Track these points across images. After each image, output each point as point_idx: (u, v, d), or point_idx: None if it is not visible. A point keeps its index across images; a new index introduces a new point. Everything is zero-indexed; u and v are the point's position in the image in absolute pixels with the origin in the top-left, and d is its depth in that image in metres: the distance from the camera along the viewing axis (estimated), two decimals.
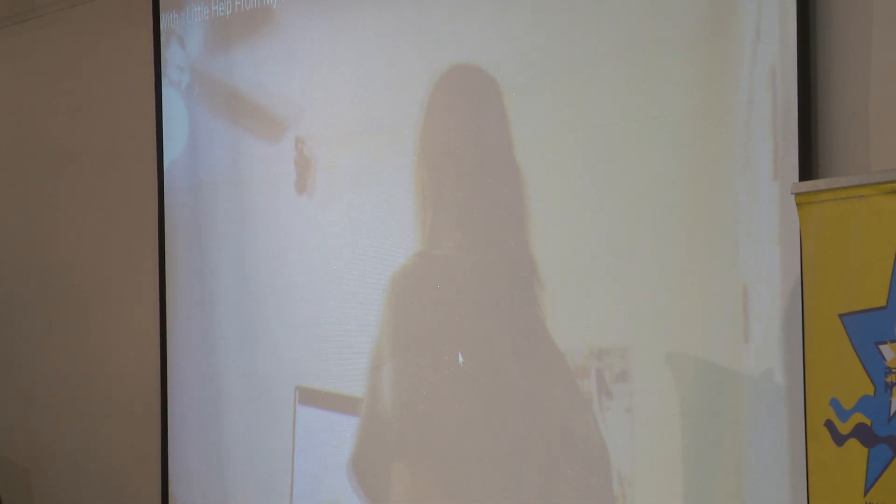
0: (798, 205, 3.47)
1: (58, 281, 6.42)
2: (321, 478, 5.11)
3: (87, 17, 6.24)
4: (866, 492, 3.24)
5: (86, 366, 6.27)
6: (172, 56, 5.71)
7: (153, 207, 5.83)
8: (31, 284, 6.58)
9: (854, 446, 3.28)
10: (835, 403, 3.34)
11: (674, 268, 4.12)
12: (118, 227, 6.11)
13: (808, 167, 3.81)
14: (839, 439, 3.32)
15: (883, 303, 3.23)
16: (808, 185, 3.47)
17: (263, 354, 5.33)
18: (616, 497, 4.23)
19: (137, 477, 6.00)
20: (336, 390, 5.06)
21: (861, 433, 3.26)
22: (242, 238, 5.44)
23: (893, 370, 3.20)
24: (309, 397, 5.16)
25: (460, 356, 4.67)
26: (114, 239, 6.14)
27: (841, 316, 3.32)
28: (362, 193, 4.97)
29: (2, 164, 6.73)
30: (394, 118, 4.87)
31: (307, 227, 5.17)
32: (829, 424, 3.35)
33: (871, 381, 3.24)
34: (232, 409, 5.48)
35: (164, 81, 5.73)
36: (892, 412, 3.20)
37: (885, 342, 3.22)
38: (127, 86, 6.05)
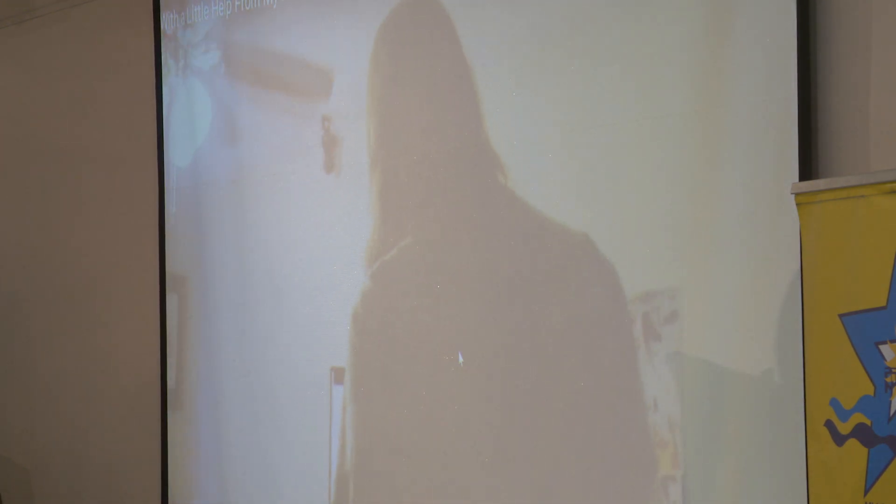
0: (798, 205, 3.47)
1: (58, 281, 6.42)
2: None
3: (87, 17, 6.24)
4: (866, 492, 3.24)
5: (86, 366, 6.27)
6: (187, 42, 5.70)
7: (153, 207, 5.83)
8: (30, 284, 6.58)
9: (854, 446, 3.28)
10: (835, 403, 3.34)
11: (674, 267, 4.12)
12: (118, 227, 6.11)
13: (808, 167, 3.82)
14: (839, 439, 3.32)
15: (883, 303, 3.22)
16: (808, 185, 3.46)
17: (296, 340, 5.28)
18: (667, 443, 4.17)
19: (137, 477, 6.00)
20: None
21: (861, 433, 3.26)
22: (245, 233, 5.44)
23: (893, 370, 3.20)
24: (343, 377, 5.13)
25: (460, 357, 4.67)
26: (114, 239, 6.14)
27: (841, 316, 3.32)
28: (387, 171, 4.95)
29: (2, 164, 6.73)
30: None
31: (337, 205, 5.14)
32: (829, 424, 3.35)
33: (871, 381, 3.24)
34: (232, 408, 5.48)
35: (183, 70, 5.71)
36: (892, 412, 3.20)
37: (885, 342, 3.22)
38: (127, 86, 6.05)
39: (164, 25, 5.75)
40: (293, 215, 5.24)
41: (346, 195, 5.05)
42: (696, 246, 4.06)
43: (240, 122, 5.46)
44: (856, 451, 3.27)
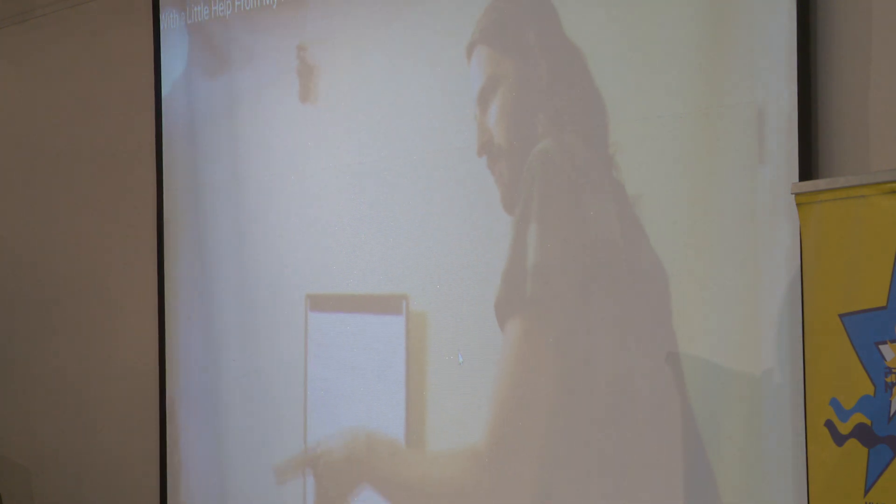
0: (798, 205, 3.47)
1: (58, 280, 6.42)
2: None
3: (87, 17, 6.24)
4: (866, 492, 3.24)
5: (86, 366, 6.27)
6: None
7: (153, 207, 5.83)
8: (30, 284, 6.58)
9: (854, 446, 3.28)
10: (835, 403, 3.34)
11: (674, 268, 4.12)
12: (118, 227, 6.11)
13: (808, 167, 3.82)
14: (839, 439, 3.32)
15: (883, 303, 3.23)
16: (808, 185, 3.47)
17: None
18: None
19: (137, 477, 6.00)
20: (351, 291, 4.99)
21: (861, 433, 3.26)
22: (241, 229, 5.44)
23: (893, 370, 3.20)
24: (320, 303, 5.10)
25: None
26: (113, 238, 6.14)
27: (841, 316, 3.32)
28: (371, 99, 4.91)
29: (2, 164, 6.73)
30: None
31: (312, 136, 5.10)
32: (829, 424, 3.35)
33: (871, 381, 3.24)
34: (232, 406, 5.48)
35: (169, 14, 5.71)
36: (892, 412, 3.20)
37: (885, 342, 3.22)
38: (127, 86, 6.05)
39: (164, 25, 5.75)
40: (298, 125, 5.18)
41: (353, 103, 4.97)
42: (697, 246, 4.06)
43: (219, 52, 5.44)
44: (856, 451, 3.27)
